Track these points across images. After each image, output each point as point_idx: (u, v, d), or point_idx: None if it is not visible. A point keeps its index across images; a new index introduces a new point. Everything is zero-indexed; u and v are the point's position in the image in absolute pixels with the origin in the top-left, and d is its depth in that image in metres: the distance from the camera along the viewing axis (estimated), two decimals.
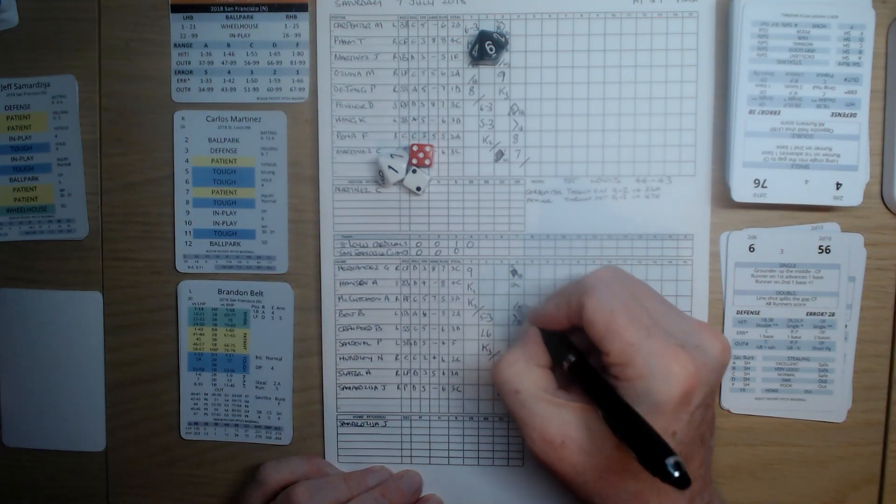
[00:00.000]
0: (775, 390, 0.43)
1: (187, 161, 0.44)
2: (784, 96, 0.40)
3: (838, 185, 0.40)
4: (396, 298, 0.44)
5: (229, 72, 0.44)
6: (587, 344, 0.36)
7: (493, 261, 0.43)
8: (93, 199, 0.45)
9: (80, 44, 0.44)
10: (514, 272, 0.43)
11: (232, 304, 0.44)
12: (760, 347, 0.42)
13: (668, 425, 0.32)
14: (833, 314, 0.42)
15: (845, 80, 0.40)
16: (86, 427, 0.45)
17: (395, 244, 0.43)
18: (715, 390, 0.37)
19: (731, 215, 0.42)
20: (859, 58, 0.40)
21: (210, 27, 0.43)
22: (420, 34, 0.43)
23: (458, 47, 0.43)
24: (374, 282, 0.44)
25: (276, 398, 0.45)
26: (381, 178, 0.43)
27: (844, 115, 0.40)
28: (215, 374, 0.45)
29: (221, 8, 0.43)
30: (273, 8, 0.43)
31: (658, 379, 0.32)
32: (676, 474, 0.29)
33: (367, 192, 0.43)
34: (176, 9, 0.44)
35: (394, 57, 0.43)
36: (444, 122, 0.43)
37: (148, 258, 0.45)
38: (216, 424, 0.45)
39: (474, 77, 0.43)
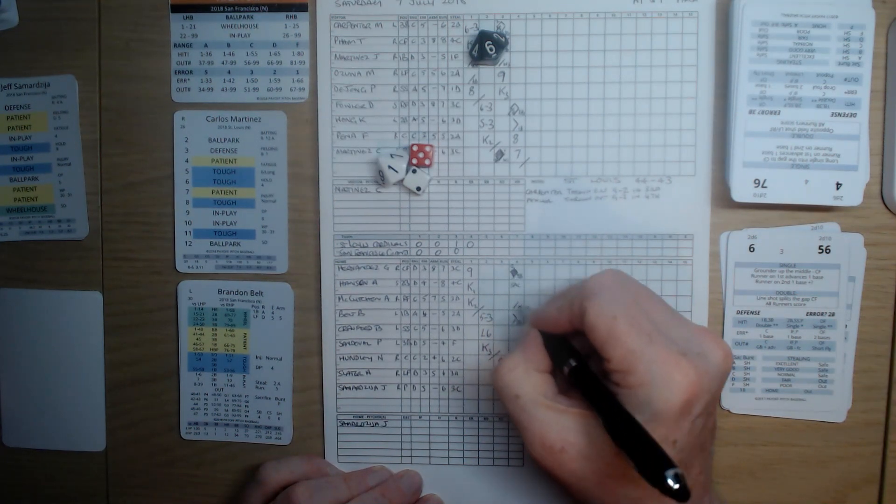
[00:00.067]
0: (775, 390, 0.43)
1: (187, 161, 0.44)
2: (784, 96, 0.40)
3: (838, 185, 0.40)
4: (396, 298, 0.44)
5: (229, 72, 0.44)
6: (588, 347, 0.36)
7: (493, 261, 0.43)
8: (93, 199, 0.45)
9: (80, 44, 0.44)
10: (514, 272, 0.43)
11: (232, 304, 0.44)
12: (760, 347, 0.42)
13: (668, 433, 0.32)
14: (833, 314, 0.42)
15: (845, 80, 0.40)
16: (86, 427, 0.45)
17: (395, 244, 0.43)
18: (716, 398, 0.37)
19: (731, 215, 0.42)
20: (859, 58, 0.40)
21: (210, 27, 0.43)
22: (420, 34, 0.43)
23: (458, 47, 0.43)
24: (374, 282, 0.44)
25: (276, 398, 0.45)
26: (381, 178, 0.43)
27: (844, 115, 0.40)
28: (215, 374, 0.45)
29: (221, 8, 0.43)
30: (273, 8, 0.43)
31: (659, 387, 0.32)
32: (676, 486, 0.29)
33: (367, 192, 0.43)
34: (176, 9, 0.44)
35: (394, 57, 0.43)
36: (444, 122, 0.43)
37: (148, 258, 0.45)
38: (216, 424, 0.45)
39: (474, 77, 0.43)
